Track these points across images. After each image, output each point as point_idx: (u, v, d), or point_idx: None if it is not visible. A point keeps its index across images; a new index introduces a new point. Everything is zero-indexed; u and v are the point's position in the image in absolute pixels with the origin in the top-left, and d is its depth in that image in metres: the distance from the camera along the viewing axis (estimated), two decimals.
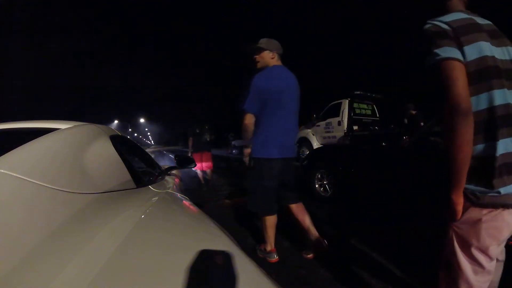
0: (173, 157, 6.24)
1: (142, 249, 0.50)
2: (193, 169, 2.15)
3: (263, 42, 1.80)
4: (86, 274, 0.39)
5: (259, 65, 1.82)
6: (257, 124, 1.77)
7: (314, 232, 1.84)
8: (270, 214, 1.80)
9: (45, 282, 0.37)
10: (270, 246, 1.86)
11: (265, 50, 1.79)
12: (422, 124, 5.09)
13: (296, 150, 1.89)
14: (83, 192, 0.63)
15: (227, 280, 0.44)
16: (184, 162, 1.99)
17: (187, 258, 0.45)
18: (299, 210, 1.87)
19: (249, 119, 1.75)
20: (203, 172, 4.81)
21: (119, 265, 0.42)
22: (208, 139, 4.84)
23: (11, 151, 0.59)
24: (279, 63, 1.83)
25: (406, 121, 6.00)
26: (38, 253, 0.41)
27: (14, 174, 0.52)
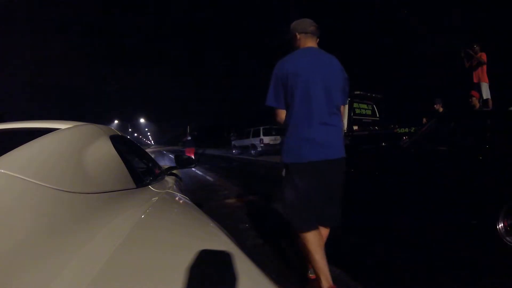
0: (173, 157, 6.53)
1: (142, 249, 0.50)
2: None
3: (291, 25, 1.55)
4: (87, 273, 0.39)
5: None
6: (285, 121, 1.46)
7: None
8: (308, 229, 1.36)
9: (45, 282, 0.37)
10: (325, 281, 1.29)
11: (292, 34, 1.53)
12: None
13: (343, 149, 1.49)
14: (83, 192, 0.63)
15: (227, 280, 0.44)
16: (184, 162, 1.99)
17: (187, 258, 0.45)
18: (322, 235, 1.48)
19: (279, 115, 1.47)
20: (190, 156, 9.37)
21: (119, 265, 0.42)
22: (192, 139, 10.15)
23: (11, 151, 0.59)
24: (308, 44, 1.50)
25: (424, 120, 5.70)
26: (38, 253, 0.41)
27: (14, 174, 0.52)
